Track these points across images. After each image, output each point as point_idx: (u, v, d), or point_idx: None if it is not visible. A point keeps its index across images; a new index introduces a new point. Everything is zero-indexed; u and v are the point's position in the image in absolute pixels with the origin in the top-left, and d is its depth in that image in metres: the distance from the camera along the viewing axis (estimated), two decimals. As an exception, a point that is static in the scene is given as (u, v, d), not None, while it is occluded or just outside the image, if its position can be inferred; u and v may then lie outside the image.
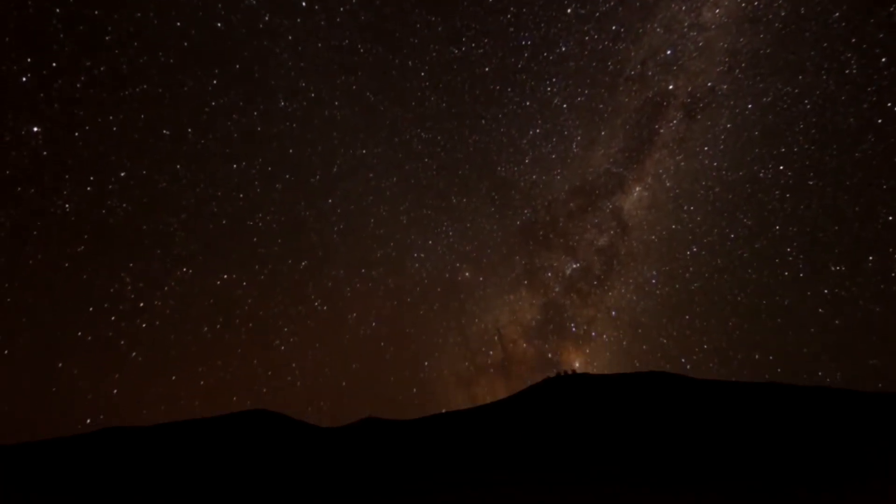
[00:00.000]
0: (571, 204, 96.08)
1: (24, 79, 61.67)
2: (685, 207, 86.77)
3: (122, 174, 69.29)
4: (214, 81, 77.41)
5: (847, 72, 73.40)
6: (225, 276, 76.92)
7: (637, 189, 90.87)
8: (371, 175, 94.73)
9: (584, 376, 41.04)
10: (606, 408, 33.60)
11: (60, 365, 61.06)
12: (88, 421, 60.14)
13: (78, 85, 66.03)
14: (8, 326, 59.57)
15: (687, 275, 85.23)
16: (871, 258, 69.45)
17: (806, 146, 76.40)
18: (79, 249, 64.78)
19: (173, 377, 69.00)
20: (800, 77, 76.73)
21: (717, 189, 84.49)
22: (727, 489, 19.22)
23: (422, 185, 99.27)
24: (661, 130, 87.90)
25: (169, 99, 73.69)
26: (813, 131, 75.87)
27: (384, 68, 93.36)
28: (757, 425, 27.30)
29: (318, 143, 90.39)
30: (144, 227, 71.33)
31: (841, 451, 22.40)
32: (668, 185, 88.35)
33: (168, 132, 73.71)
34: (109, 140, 68.55)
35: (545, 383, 41.03)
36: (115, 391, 63.47)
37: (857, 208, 71.60)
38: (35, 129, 62.78)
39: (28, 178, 61.78)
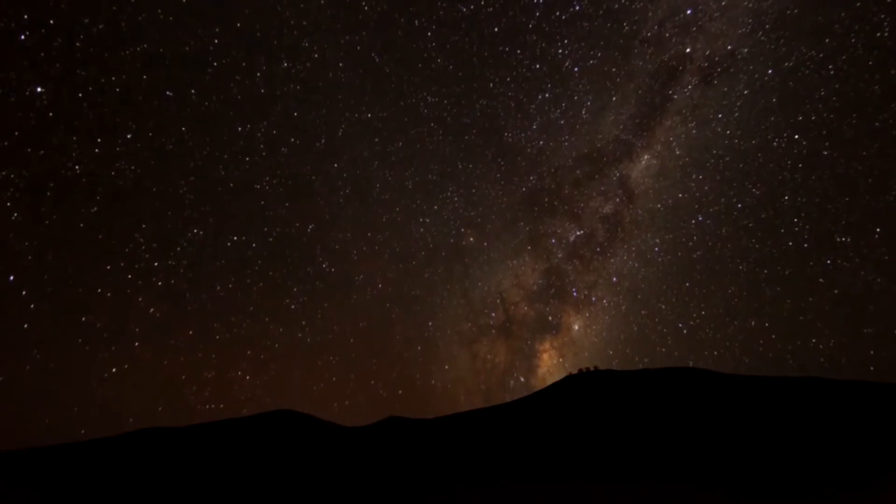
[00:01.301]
0: (578, 171, 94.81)
1: (22, 36, 60.60)
2: (693, 176, 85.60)
3: (129, 136, 69.40)
4: (216, 41, 75.26)
5: (878, 35, 69.44)
6: (235, 238, 78.61)
7: (646, 157, 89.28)
8: (377, 139, 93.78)
9: (606, 373, 41.07)
10: (623, 407, 33.64)
11: (84, 319, 64.35)
12: (114, 370, 64.26)
13: (77, 44, 64.87)
14: (34, 282, 61.89)
15: (690, 243, 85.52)
16: (878, 230, 68.89)
17: (825, 114, 73.69)
18: (92, 210, 66.34)
19: (190, 332, 72.80)
20: (826, 40, 72.78)
21: (727, 158, 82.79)
22: (728, 488, 19.19)
23: (428, 151, 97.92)
24: (675, 96, 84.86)
25: (170, 59, 72.20)
26: (834, 99, 72.92)
27: (389, 27, 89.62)
28: (772, 424, 27.05)
29: (323, 106, 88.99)
30: (154, 189, 72.21)
31: (847, 451, 22.05)
32: (677, 153, 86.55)
33: (171, 93, 72.88)
34: (113, 102, 68.33)
35: (566, 381, 41.23)
36: (137, 344, 67.18)
37: (870, 180, 70.24)
38: (39, 89, 62.39)
39: (37, 139, 62.39)
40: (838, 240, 71.63)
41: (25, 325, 59.61)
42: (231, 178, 79.26)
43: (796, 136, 76.10)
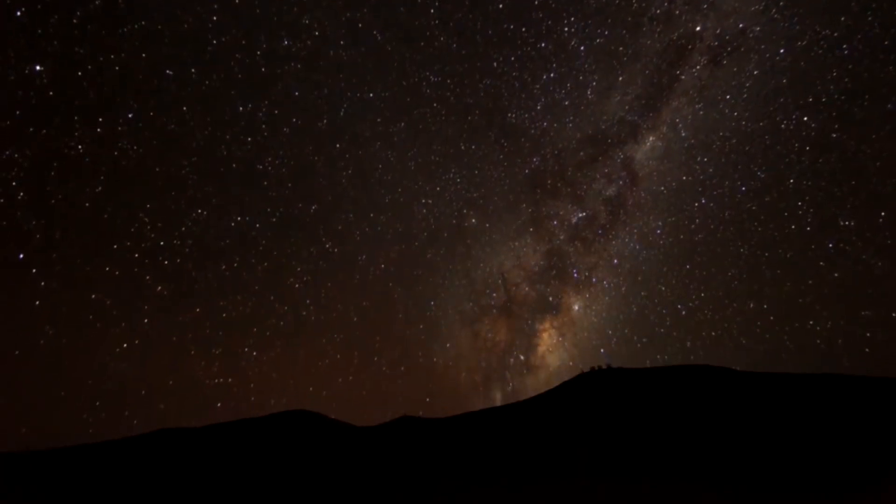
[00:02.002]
0: (582, 153, 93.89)
1: (18, 13, 60.51)
2: (698, 158, 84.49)
3: (130, 115, 70.04)
4: (214, 18, 74.85)
5: (896, 12, 66.46)
6: (238, 219, 79.88)
7: (651, 139, 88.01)
8: (379, 120, 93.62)
9: (619, 371, 40.00)
10: (631, 406, 32.67)
11: (94, 296, 66.23)
12: (125, 345, 66.64)
13: (74, 21, 64.78)
14: (43, 261, 63.85)
15: (692, 226, 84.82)
16: (883, 214, 67.18)
17: (836, 96, 71.56)
18: (97, 190, 67.79)
19: (197, 309, 74.52)
20: (842, 18, 70.33)
21: (733, 140, 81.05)
22: (729, 488, 18.36)
23: (430, 131, 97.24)
24: (683, 77, 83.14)
25: (169, 37, 72.24)
26: (846, 80, 70.65)
27: (391, 4, 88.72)
28: (774, 423, 25.79)
29: (325, 85, 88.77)
30: (157, 169, 73.34)
31: (848, 451, 20.91)
32: (683, 134, 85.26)
33: (171, 72, 73.37)
34: (113, 81, 68.76)
35: (578, 379, 40.35)
36: (146, 321, 69.10)
37: (878, 163, 68.09)
38: (38, 67, 62.07)
39: (38, 119, 63.13)
40: (842, 223, 70.59)
41: (37, 303, 61.90)
42: (233, 158, 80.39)
43: (805, 118, 74.39)
